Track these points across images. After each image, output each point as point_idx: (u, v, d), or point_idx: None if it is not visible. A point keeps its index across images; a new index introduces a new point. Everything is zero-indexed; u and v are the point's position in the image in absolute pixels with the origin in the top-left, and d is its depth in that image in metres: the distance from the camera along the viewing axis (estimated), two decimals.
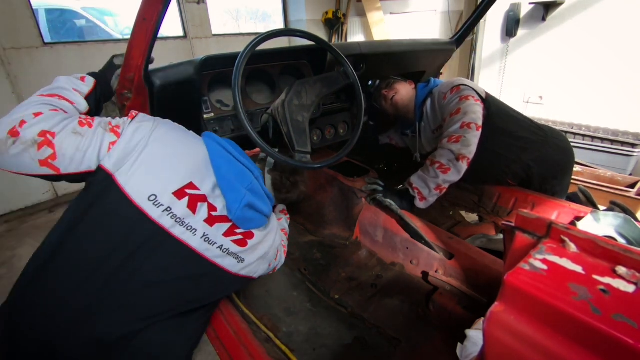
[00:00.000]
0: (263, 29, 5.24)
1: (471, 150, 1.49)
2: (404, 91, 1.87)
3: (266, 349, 1.08)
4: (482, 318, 1.00)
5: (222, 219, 0.91)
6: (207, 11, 4.07)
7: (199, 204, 0.87)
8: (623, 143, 3.17)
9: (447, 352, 1.18)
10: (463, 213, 2.03)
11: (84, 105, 0.94)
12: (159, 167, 0.84)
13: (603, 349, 0.39)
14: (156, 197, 0.82)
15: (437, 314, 1.34)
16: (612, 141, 3.23)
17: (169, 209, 0.83)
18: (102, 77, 1.04)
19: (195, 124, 1.30)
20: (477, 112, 1.54)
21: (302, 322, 1.39)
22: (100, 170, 0.80)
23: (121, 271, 0.80)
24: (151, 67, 1.08)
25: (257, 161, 1.25)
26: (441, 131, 1.69)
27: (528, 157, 1.72)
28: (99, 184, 0.81)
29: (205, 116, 1.32)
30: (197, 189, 0.87)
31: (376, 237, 1.73)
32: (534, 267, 0.48)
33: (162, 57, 1.16)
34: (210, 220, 0.88)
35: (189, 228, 0.85)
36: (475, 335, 0.88)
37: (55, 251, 0.80)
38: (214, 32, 4.20)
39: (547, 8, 3.57)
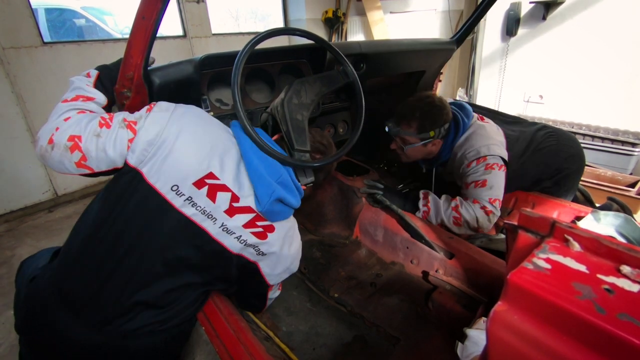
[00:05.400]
0: (263, 28, 5.22)
1: (488, 227, 1.51)
2: (416, 154, 1.69)
3: (266, 348, 1.07)
4: (483, 317, 1.00)
5: (245, 209, 0.93)
6: (207, 10, 4.06)
7: (218, 192, 0.90)
8: (623, 142, 3.17)
9: (446, 351, 1.18)
10: None
11: (102, 97, 1.00)
12: (179, 157, 0.87)
13: (608, 349, 0.38)
14: (178, 187, 0.88)
15: (436, 313, 1.34)
16: (613, 140, 3.23)
17: (190, 199, 0.88)
18: (104, 67, 1.06)
19: None
20: (501, 185, 1.51)
21: (301, 321, 1.39)
22: (126, 165, 0.88)
23: (149, 254, 0.89)
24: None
25: None
26: (458, 183, 1.66)
27: (538, 176, 1.75)
28: (126, 176, 0.88)
29: None
30: (216, 178, 0.90)
31: (376, 236, 1.72)
32: (537, 266, 0.48)
33: (161, 56, 1.16)
34: (231, 211, 0.92)
35: (209, 216, 0.90)
36: (475, 335, 0.88)
37: (90, 239, 0.90)
38: (213, 32, 4.18)
39: (548, 7, 3.56)
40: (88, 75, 1.02)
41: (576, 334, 0.41)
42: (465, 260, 1.40)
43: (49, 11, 3.40)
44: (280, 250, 1.01)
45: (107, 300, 0.89)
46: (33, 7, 2.83)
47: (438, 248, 1.49)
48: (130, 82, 1.01)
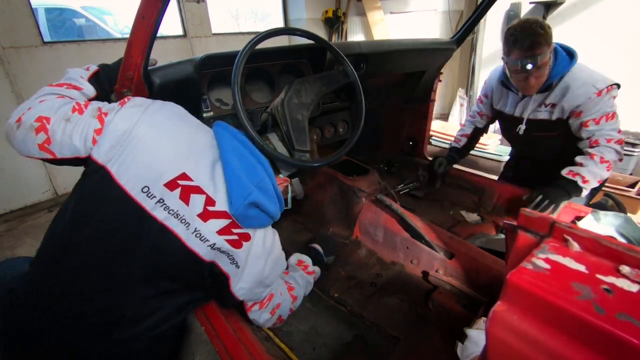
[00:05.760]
0: (263, 28, 5.23)
1: (622, 155, 1.60)
2: (545, 76, 1.57)
3: (266, 348, 1.07)
4: (483, 318, 1.00)
5: (220, 214, 0.86)
6: (207, 10, 4.06)
7: (192, 195, 0.84)
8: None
9: (446, 350, 1.18)
10: (463, 213, 2.03)
11: (91, 90, 0.99)
12: (150, 156, 0.82)
13: (607, 349, 0.38)
14: (149, 188, 0.82)
15: (436, 313, 1.34)
16: None
17: (161, 201, 0.82)
18: (105, 65, 1.07)
19: None
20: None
21: (301, 321, 1.39)
22: (92, 161, 0.82)
23: (121, 258, 0.83)
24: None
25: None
26: (559, 115, 1.64)
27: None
28: (95, 174, 0.82)
29: (204, 115, 1.32)
30: (190, 179, 0.84)
31: (376, 236, 1.72)
32: (536, 266, 0.48)
33: (161, 56, 1.15)
34: (205, 215, 0.85)
35: (182, 221, 0.84)
36: (475, 335, 0.88)
37: (64, 244, 0.84)
38: (213, 31, 4.19)
39: (548, 7, 3.56)
40: (87, 69, 1.03)
41: (575, 334, 0.41)
42: (465, 260, 1.40)
43: (49, 11, 3.40)
44: (255, 261, 0.93)
45: (86, 308, 0.84)
46: (33, 6, 2.83)
47: (438, 248, 1.49)
48: (130, 81, 1.01)
